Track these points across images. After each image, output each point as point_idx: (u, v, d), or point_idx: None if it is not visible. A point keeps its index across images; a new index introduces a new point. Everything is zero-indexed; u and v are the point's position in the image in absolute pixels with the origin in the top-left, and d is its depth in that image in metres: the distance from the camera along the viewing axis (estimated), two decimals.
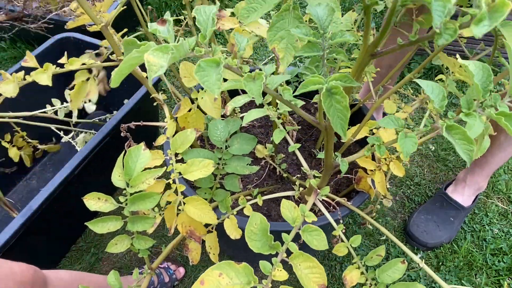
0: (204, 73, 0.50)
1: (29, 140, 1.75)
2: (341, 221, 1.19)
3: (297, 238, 0.94)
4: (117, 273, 1.12)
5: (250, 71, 0.59)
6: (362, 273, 1.05)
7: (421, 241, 1.82)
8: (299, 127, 1.28)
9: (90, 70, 1.27)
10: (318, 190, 1.10)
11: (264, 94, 1.23)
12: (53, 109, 1.68)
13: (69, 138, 1.79)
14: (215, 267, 0.74)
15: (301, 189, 1.26)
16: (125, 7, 1.17)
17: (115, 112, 1.79)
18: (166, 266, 1.76)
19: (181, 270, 1.78)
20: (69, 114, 1.76)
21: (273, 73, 0.81)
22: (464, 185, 1.88)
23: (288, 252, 0.86)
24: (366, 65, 0.64)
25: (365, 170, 1.26)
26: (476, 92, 0.67)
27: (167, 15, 0.56)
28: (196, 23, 0.56)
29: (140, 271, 1.71)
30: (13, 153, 1.69)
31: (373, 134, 1.33)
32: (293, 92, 0.69)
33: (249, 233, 0.84)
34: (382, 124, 0.76)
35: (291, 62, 0.81)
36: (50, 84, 1.05)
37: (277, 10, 0.78)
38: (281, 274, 0.81)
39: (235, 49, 0.58)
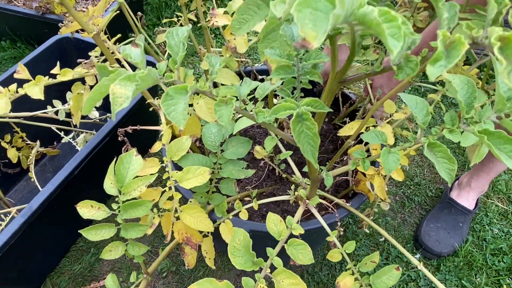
0: (171, 102, 0.49)
1: (28, 142, 1.76)
2: (339, 223, 1.18)
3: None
4: (114, 276, 1.13)
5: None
6: (356, 279, 1.05)
7: (435, 251, 1.81)
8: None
9: (84, 81, 1.28)
10: (307, 201, 1.10)
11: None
12: (53, 110, 1.68)
13: (70, 139, 1.79)
14: (197, 284, 0.74)
15: (296, 193, 1.25)
16: (117, 12, 1.17)
17: None
18: None
19: None
20: (69, 114, 1.76)
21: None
22: (469, 189, 1.86)
23: (273, 267, 0.86)
24: (336, 91, 0.63)
25: (364, 174, 1.25)
26: (460, 109, 0.66)
27: (140, 39, 0.55)
28: (167, 48, 0.55)
29: None
30: (12, 154, 1.70)
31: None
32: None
33: (232, 250, 0.84)
34: (366, 139, 0.75)
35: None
36: (42, 98, 1.05)
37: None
38: None
39: (209, 71, 0.58)
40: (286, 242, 0.91)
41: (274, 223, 0.91)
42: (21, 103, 1.62)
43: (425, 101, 0.70)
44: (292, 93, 0.75)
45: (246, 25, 0.69)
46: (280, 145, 1.24)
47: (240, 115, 1.34)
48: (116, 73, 0.49)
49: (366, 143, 1.34)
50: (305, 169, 1.32)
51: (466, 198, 1.87)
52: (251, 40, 1.31)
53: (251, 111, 0.63)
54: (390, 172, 0.69)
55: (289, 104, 0.55)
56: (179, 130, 1.07)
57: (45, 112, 1.68)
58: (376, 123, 1.34)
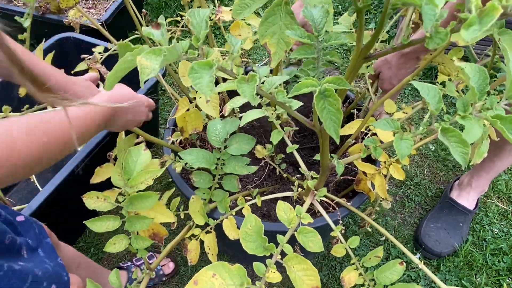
0: (197, 75, 0.50)
1: None
2: (340, 222, 1.19)
3: (296, 241, 0.93)
4: (118, 272, 1.12)
5: (246, 73, 0.59)
6: (360, 274, 1.05)
7: (435, 251, 1.81)
8: (297, 128, 1.28)
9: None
10: (315, 192, 1.10)
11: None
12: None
13: None
14: (209, 267, 0.74)
15: (299, 189, 1.25)
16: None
17: None
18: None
19: (171, 265, 1.75)
20: None
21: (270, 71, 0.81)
22: (470, 189, 1.87)
23: (283, 254, 0.86)
24: (360, 68, 0.64)
25: (364, 173, 1.25)
26: (472, 95, 0.67)
27: (161, 19, 0.56)
28: (189, 26, 0.56)
29: (139, 263, 1.70)
30: None
31: (369, 130, 1.33)
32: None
33: (244, 234, 0.84)
34: (378, 126, 0.75)
35: (282, 57, 0.81)
36: None
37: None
38: (274, 276, 0.81)
39: (229, 51, 0.58)
40: (295, 231, 0.91)
41: (284, 211, 0.92)
42: (21, 103, 1.61)
43: (436, 88, 0.71)
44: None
45: (247, 10, 0.70)
46: (287, 139, 1.24)
47: (242, 113, 1.35)
48: (140, 49, 0.50)
49: None
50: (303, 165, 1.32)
51: (467, 198, 1.88)
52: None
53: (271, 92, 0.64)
54: (403, 158, 0.70)
55: (310, 81, 0.56)
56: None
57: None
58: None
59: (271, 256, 0.85)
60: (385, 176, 1.21)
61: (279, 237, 0.88)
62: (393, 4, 0.46)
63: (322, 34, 0.61)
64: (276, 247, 0.86)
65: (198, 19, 0.56)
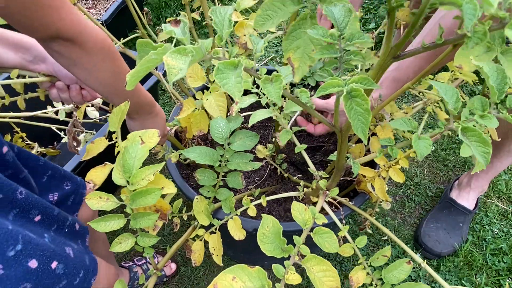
0: (223, 76, 0.49)
1: (29, 142, 1.74)
2: (343, 221, 1.19)
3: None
4: (123, 281, 1.11)
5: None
6: (367, 273, 1.05)
7: (435, 251, 1.81)
8: (303, 127, 1.27)
9: None
10: (327, 192, 1.10)
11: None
12: (53, 110, 1.66)
13: None
14: (228, 270, 0.73)
15: (305, 189, 1.25)
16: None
17: None
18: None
19: (173, 266, 1.75)
20: (69, 115, 1.74)
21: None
22: (469, 189, 1.88)
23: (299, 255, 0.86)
24: (388, 67, 0.63)
25: (364, 175, 1.25)
26: (491, 94, 0.67)
27: (182, 17, 0.55)
28: (213, 25, 0.55)
29: (140, 263, 1.70)
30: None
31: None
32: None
33: (261, 236, 0.84)
34: (395, 125, 0.75)
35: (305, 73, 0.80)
36: None
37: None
38: (294, 278, 0.80)
39: (253, 50, 0.57)
40: (311, 231, 0.91)
41: (299, 212, 0.91)
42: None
43: (454, 88, 0.70)
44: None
45: (270, 21, 0.69)
46: (295, 139, 1.23)
47: (245, 112, 1.35)
48: (163, 48, 0.49)
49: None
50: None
51: (466, 198, 1.88)
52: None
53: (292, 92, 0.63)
54: (422, 157, 0.69)
55: (336, 81, 0.55)
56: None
57: (45, 112, 1.66)
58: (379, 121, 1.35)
59: (287, 258, 0.84)
60: (384, 178, 1.21)
61: (296, 238, 0.87)
62: (431, 4, 0.45)
63: (344, 34, 0.61)
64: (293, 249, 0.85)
65: (220, 17, 0.55)
